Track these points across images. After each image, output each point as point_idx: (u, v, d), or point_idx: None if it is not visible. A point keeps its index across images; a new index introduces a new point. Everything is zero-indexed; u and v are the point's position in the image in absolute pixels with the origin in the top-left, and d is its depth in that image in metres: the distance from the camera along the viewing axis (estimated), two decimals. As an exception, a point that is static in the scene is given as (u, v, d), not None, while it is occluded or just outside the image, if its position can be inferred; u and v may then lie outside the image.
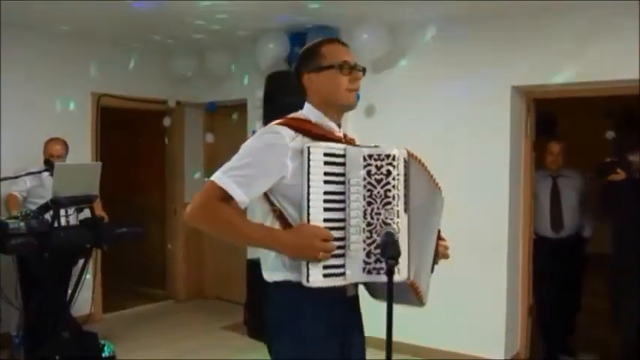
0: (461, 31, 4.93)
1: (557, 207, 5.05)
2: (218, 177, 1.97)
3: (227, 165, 2.00)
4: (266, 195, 2.04)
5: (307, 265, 1.92)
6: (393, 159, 1.96)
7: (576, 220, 5.10)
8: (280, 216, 2.02)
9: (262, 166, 1.98)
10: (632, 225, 4.35)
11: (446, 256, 2.31)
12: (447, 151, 4.86)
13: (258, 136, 2.05)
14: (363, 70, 2.16)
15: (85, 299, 4.87)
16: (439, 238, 2.27)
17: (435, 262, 2.25)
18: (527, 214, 5.03)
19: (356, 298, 2.21)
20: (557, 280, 5.05)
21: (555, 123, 6.73)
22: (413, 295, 2.08)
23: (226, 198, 1.95)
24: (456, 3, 4.46)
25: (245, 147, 2.04)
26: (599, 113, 7.54)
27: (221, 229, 2.03)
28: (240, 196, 1.94)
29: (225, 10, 4.88)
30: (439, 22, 4.98)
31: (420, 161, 2.10)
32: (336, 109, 2.16)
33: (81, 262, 4.59)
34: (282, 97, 5.23)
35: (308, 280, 1.92)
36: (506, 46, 4.74)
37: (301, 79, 2.16)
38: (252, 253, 5.97)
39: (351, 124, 4.98)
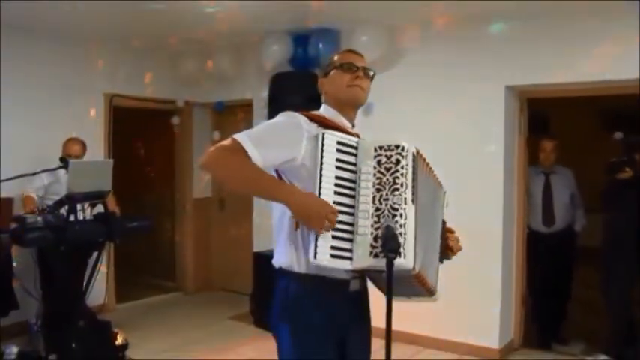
0: (457, 32, 5.04)
1: (549, 203, 5.19)
2: (238, 135, 2.06)
3: (248, 130, 2.11)
4: (279, 177, 2.12)
5: (316, 241, 1.94)
6: (403, 150, 2.02)
7: (567, 216, 5.24)
8: None
9: (279, 137, 2.08)
10: (631, 222, 4.47)
11: (459, 249, 2.40)
12: (443, 148, 4.92)
13: (278, 118, 2.15)
14: (372, 77, 2.29)
15: (99, 290, 4.97)
16: (445, 230, 2.35)
17: (445, 255, 2.34)
18: (521, 209, 5.16)
19: (361, 293, 2.25)
20: (549, 272, 5.20)
21: (548, 121, 6.86)
22: (421, 287, 2.13)
23: (242, 154, 2.02)
24: (453, 5, 4.58)
25: (265, 123, 2.18)
26: (590, 112, 7.67)
27: (234, 173, 2.06)
28: (254, 155, 2.00)
29: (231, 12, 5.01)
30: (435, 24, 5.09)
31: (425, 159, 2.16)
32: (346, 106, 2.27)
33: (95, 254, 4.65)
34: (285, 97, 5.41)
35: (315, 257, 1.94)
36: (501, 47, 4.84)
37: (318, 84, 2.34)
38: (258, 245, 6.15)
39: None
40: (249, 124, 6.40)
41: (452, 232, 2.40)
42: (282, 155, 2.06)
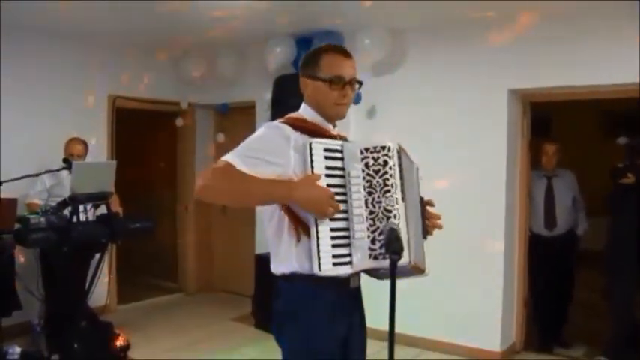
0: (459, 35, 5.05)
1: (551, 206, 5.18)
2: (227, 157, 2.04)
3: (236, 149, 2.08)
4: None
5: (318, 255, 1.98)
6: (389, 150, 2.06)
7: (569, 219, 5.24)
8: (287, 209, 2.10)
9: (268, 153, 2.05)
10: (635, 225, 4.47)
11: (439, 227, 2.32)
12: (446, 151, 5.02)
13: (263, 129, 2.13)
14: (360, 83, 2.23)
15: (101, 291, 5.00)
16: (424, 205, 2.30)
17: (426, 231, 2.29)
18: (523, 212, 5.15)
19: (358, 288, 2.29)
20: (550, 275, 5.20)
21: (550, 125, 6.85)
22: (414, 271, 2.15)
23: (234, 171, 2.01)
24: (455, 8, 4.59)
25: (253, 136, 2.12)
26: (593, 115, 7.67)
27: (234, 190, 2.05)
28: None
29: (235, 15, 5.02)
30: (438, 27, 5.10)
31: (405, 151, 2.17)
32: (329, 117, 2.25)
33: (97, 255, 4.65)
34: (288, 99, 5.40)
35: (320, 269, 1.99)
36: (504, 50, 4.84)
37: (300, 79, 2.27)
38: (260, 247, 6.16)
39: (353, 125, 5.16)
40: (252, 126, 6.40)
41: (431, 205, 2.34)
42: (271, 167, 2.06)
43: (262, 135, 2.12)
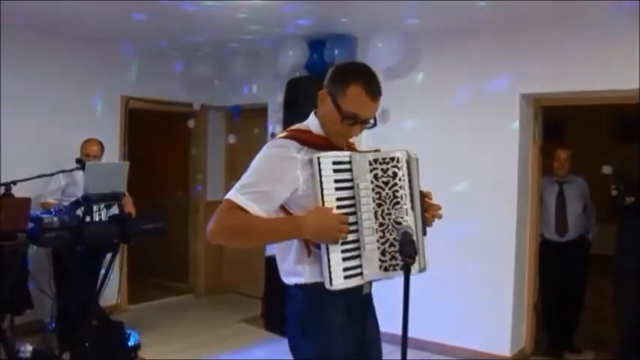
0: (472, 40, 5.04)
1: (562, 212, 5.16)
2: (233, 195, 2.01)
3: (240, 182, 2.04)
4: (282, 207, 2.09)
5: (329, 270, 2.00)
6: (397, 161, 2.07)
7: (580, 225, 5.21)
8: None
9: (275, 182, 2.02)
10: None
11: (439, 217, 2.27)
12: (458, 156, 5.02)
13: (267, 151, 2.08)
14: (375, 122, 2.17)
15: (112, 290, 5.03)
16: (423, 198, 2.22)
17: (426, 223, 2.23)
18: (534, 217, 5.14)
19: (369, 295, 2.30)
20: (561, 280, 5.17)
21: (562, 130, 6.81)
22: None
23: (241, 212, 2.00)
24: (468, 13, 4.59)
25: (256, 163, 2.08)
26: (605, 120, 7.63)
27: (243, 236, 2.07)
28: (255, 211, 1.99)
29: (248, 18, 5.03)
30: (451, 32, 5.09)
31: (409, 153, 2.14)
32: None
33: (109, 255, 4.70)
34: (300, 102, 5.43)
35: (332, 284, 2.00)
36: (516, 55, 4.83)
37: (322, 89, 2.17)
38: (271, 249, 6.17)
39: (365, 129, 5.17)
40: (263, 129, 6.48)
41: (429, 197, 2.28)
42: (281, 197, 2.05)
43: (266, 161, 2.07)
